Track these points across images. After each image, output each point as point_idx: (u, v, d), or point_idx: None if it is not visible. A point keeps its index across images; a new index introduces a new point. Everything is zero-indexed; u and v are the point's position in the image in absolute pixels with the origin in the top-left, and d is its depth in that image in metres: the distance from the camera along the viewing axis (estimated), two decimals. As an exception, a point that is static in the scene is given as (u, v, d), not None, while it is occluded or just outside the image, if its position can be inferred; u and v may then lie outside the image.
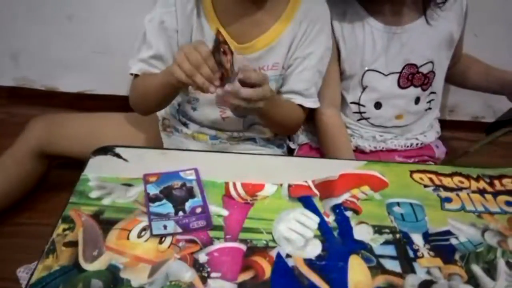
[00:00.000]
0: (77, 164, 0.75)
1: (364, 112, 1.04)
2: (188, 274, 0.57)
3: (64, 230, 0.61)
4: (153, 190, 0.68)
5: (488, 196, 0.73)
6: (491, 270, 0.61)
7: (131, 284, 0.55)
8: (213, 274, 0.57)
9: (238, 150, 0.98)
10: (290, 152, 1.10)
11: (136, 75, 0.90)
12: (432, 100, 1.07)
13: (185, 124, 1.00)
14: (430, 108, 1.08)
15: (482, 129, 1.19)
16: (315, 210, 0.68)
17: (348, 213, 0.68)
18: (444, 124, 1.16)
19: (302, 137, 1.10)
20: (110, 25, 1.28)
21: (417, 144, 1.08)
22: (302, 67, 0.90)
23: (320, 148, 1.05)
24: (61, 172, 1.17)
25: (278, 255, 0.61)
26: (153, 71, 0.87)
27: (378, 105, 1.03)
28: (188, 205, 0.67)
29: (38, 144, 1.06)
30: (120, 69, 1.24)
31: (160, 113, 1.03)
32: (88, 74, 1.36)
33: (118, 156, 0.75)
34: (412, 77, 1.01)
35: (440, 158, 1.12)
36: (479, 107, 1.44)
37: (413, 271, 0.60)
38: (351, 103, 1.03)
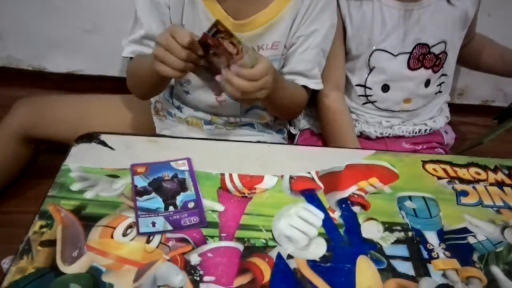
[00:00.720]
0: (67, 148, 0.68)
1: (371, 95, 0.97)
2: (178, 278, 0.51)
3: (41, 227, 0.55)
4: (141, 183, 0.62)
5: (508, 190, 0.68)
6: (512, 273, 0.56)
7: (115, 290, 0.50)
8: (206, 278, 0.52)
9: (235, 136, 0.91)
10: (291, 138, 1.04)
11: (131, 58, 0.83)
12: (443, 83, 1.00)
13: (178, 108, 0.93)
14: (440, 92, 1.01)
15: (492, 113, 1.12)
16: (319, 206, 0.62)
17: (356, 209, 0.62)
18: (452, 108, 1.10)
19: (303, 122, 1.04)
20: (100, 1, 1.20)
21: (425, 130, 1.02)
22: (305, 46, 0.83)
23: (323, 134, 0.98)
24: (50, 157, 1.10)
25: (279, 256, 0.55)
26: (146, 52, 0.80)
27: (385, 88, 0.96)
28: (179, 199, 0.61)
29: (23, 128, 0.99)
30: (111, 48, 1.17)
31: None
32: (77, 53, 1.28)
33: (104, 144, 0.68)
34: (423, 58, 0.94)
35: (449, 145, 1.06)
36: (489, 90, 1.37)
37: (427, 274, 0.54)
38: (357, 85, 0.96)
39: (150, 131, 0.95)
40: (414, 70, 0.94)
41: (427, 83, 0.97)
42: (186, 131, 0.92)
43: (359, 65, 0.95)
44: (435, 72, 0.96)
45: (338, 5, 0.89)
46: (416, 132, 1.02)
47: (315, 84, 0.87)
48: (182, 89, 0.88)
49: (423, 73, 0.95)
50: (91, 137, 0.69)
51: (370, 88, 0.96)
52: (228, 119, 0.91)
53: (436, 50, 0.93)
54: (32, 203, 0.95)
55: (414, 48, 0.92)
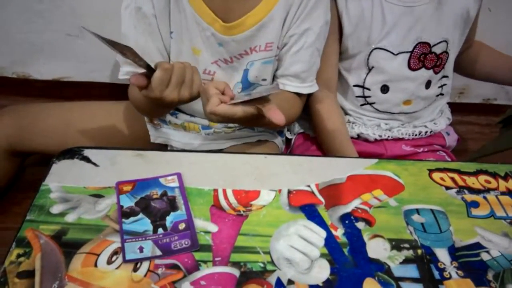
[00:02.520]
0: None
1: (369, 96, 0.92)
2: (168, 311, 0.47)
3: (19, 256, 0.51)
4: (128, 202, 0.57)
5: (520, 199, 0.63)
6: (532, 294, 0.51)
7: (98, 327, 0.45)
8: (199, 310, 0.47)
9: (234, 139, 0.87)
10: (287, 143, 1.00)
11: None
12: (444, 85, 0.96)
13: (173, 114, 0.88)
14: (442, 94, 0.97)
15: (493, 112, 1.08)
16: (320, 222, 0.58)
17: (360, 225, 0.58)
18: (453, 107, 1.06)
19: (298, 126, 1.00)
20: (84, 4, 1.15)
21: (426, 132, 0.98)
22: (298, 45, 0.78)
23: (317, 138, 0.94)
24: (36, 169, 1.06)
25: (278, 282, 0.51)
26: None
27: (385, 89, 0.92)
28: (169, 219, 0.56)
29: (8, 141, 0.93)
30: (98, 53, 1.12)
31: None
32: (63, 59, 1.23)
33: (87, 159, 0.63)
34: (424, 57, 0.89)
35: (451, 146, 1.02)
36: (490, 88, 1.34)
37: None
38: (354, 86, 0.92)
39: (143, 140, 0.91)
40: (415, 71, 0.90)
41: (428, 84, 0.93)
42: (183, 137, 0.87)
43: (357, 65, 0.90)
44: (436, 73, 0.92)
45: (335, 0, 0.85)
46: (416, 135, 0.98)
47: (309, 87, 0.82)
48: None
49: (424, 74, 0.91)
50: (73, 153, 0.64)
51: (368, 89, 0.92)
52: (227, 123, 0.86)
53: (437, 49, 0.89)
54: (18, 220, 0.90)
55: (415, 47, 0.88)
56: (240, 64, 0.79)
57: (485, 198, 0.63)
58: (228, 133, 0.88)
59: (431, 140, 1.00)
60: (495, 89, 1.34)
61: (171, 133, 0.89)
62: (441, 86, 0.96)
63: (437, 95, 0.96)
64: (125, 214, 0.56)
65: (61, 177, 0.60)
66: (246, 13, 0.74)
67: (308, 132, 0.99)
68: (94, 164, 0.63)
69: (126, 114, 0.94)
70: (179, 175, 0.62)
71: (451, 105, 1.06)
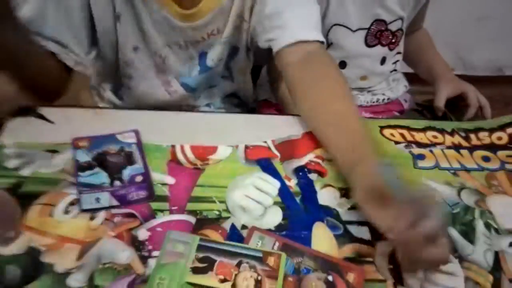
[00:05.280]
0: None
1: None
2: (124, 254, 0.48)
3: (-28, 208, 0.51)
4: (84, 157, 0.58)
5: (464, 152, 0.67)
6: (468, 233, 0.55)
7: (55, 269, 0.46)
8: (155, 253, 0.49)
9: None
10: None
11: None
12: (398, 61, 1.00)
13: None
14: (395, 70, 1.00)
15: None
16: (275, 174, 0.60)
17: (312, 176, 0.61)
18: (412, 78, 1.09)
19: (261, 92, 1.01)
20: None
21: (383, 99, 1.02)
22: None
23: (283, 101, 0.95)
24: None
25: (232, 227, 0.53)
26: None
27: (342, 64, 0.94)
28: (126, 173, 0.57)
29: None
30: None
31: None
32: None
33: (42, 117, 0.63)
34: (380, 34, 0.92)
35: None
36: (449, 59, 1.37)
37: (383, 237, 0.53)
38: None
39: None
40: (371, 47, 0.93)
41: (383, 60, 0.96)
42: None
43: None
44: (391, 49, 0.95)
45: None
46: (374, 102, 1.01)
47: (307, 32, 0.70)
48: (124, 83, 0.78)
49: (380, 51, 0.94)
50: (27, 111, 0.64)
51: None
52: (182, 108, 0.81)
53: (393, 27, 0.92)
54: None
55: (372, 24, 0.90)
56: (196, 49, 0.74)
57: (431, 151, 0.67)
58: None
59: (389, 107, 1.03)
60: (454, 60, 1.39)
61: None
62: (395, 62, 0.99)
63: (391, 71, 1.00)
64: (82, 168, 0.56)
65: (16, 134, 0.60)
66: None
67: (271, 100, 1.00)
68: (50, 121, 0.63)
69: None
70: (136, 132, 0.63)
71: (410, 75, 1.09)
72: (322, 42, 0.70)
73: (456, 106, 0.95)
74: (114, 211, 0.53)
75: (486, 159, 0.66)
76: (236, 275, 0.47)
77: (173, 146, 0.62)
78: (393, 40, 0.94)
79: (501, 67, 1.55)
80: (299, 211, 0.56)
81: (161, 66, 0.74)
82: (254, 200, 0.56)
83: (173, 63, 0.74)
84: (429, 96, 1.35)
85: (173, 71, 0.75)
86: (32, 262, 0.46)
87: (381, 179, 0.50)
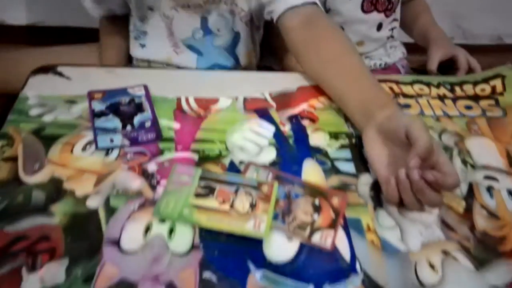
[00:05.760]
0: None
1: None
2: (136, 183, 0.55)
3: (3, 146, 0.58)
4: (99, 107, 0.65)
5: (448, 101, 0.72)
6: (446, 168, 0.61)
7: (75, 194, 0.53)
8: (163, 181, 0.55)
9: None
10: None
11: None
12: (394, 28, 1.04)
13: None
14: (392, 37, 1.05)
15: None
16: (270, 121, 0.66)
17: (305, 122, 0.66)
18: (410, 47, 1.13)
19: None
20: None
21: (380, 64, 1.06)
22: None
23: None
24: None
25: (231, 163, 0.59)
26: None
27: None
28: (136, 119, 0.63)
29: None
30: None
31: None
32: (37, 4, 1.26)
33: (60, 74, 0.70)
34: (376, 1, 0.97)
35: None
36: (447, 27, 1.40)
37: (367, 171, 0.59)
38: None
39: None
40: (368, 13, 0.97)
41: (379, 27, 1.00)
42: None
43: None
44: (387, 16, 0.99)
45: None
46: (371, 66, 1.05)
47: None
48: (138, 42, 0.87)
49: (376, 17, 0.98)
50: (47, 69, 0.70)
51: None
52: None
53: None
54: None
55: None
56: (197, 13, 0.81)
57: (417, 101, 0.72)
58: None
59: (387, 73, 1.07)
60: (452, 28, 1.40)
61: None
62: (392, 29, 1.04)
63: (388, 38, 1.04)
64: (97, 114, 0.63)
65: (37, 88, 0.67)
66: None
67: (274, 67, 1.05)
68: (67, 78, 0.70)
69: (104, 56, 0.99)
70: (145, 86, 0.69)
71: (408, 45, 1.13)
72: (316, 4, 0.76)
73: (449, 69, 1.00)
74: (126, 149, 0.59)
75: (468, 107, 0.71)
76: (233, 199, 0.53)
77: (178, 98, 0.68)
78: (389, 7, 0.98)
79: (501, 36, 1.58)
80: (291, 150, 0.62)
81: (169, 28, 0.80)
82: (251, 142, 0.62)
83: (179, 25, 0.81)
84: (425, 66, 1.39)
85: (179, 33, 0.82)
86: (55, 189, 0.53)
87: (402, 123, 0.54)
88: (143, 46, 0.87)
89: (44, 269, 0.46)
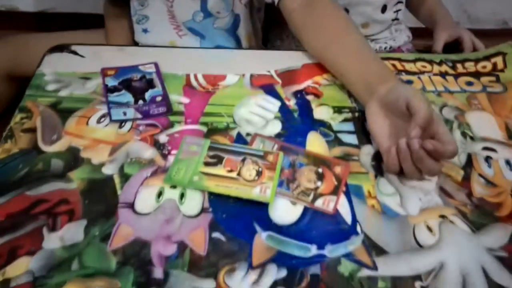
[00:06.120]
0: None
1: None
2: (148, 152, 0.58)
3: (22, 118, 0.61)
4: (112, 82, 0.67)
5: (450, 78, 0.74)
6: (445, 140, 0.63)
7: (92, 162, 0.56)
8: (173, 151, 0.58)
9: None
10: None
11: None
12: (399, 10, 1.05)
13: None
14: (397, 19, 1.06)
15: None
16: (276, 96, 0.69)
17: (309, 97, 0.69)
18: (416, 32, 1.14)
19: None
20: None
21: (385, 48, 1.07)
22: None
23: None
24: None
25: (238, 134, 0.62)
26: None
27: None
28: (148, 94, 0.66)
29: (5, 66, 1.02)
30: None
31: None
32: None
33: (75, 53, 0.73)
34: None
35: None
36: (453, 12, 1.41)
37: (369, 142, 0.62)
38: None
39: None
40: None
41: (384, 8, 1.01)
42: None
43: None
44: None
45: None
46: (376, 50, 1.07)
47: None
48: (140, 27, 0.89)
49: None
50: (62, 48, 0.73)
51: None
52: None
53: None
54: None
55: None
56: None
57: (419, 78, 0.74)
58: None
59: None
60: (458, 13, 1.41)
61: None
62: (396, 11, 1.05)
63: (393, 20, 1.05)
64: (110, 90, 0.66)
65: (53, 65, 0.70)
66: None
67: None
68: (81, 56, 0.73)
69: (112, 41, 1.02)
70: (156, 64, 0.72)
71: (414, 30, 1.14)
72: None
73: (454, 50, 1.01)
74: (138, 122, 0.62)
75: (469, 83, 0.73)
76: (240, 167, 0.56)
77: (187, 75, 0.71)
78: None
79: (506, 20, 1.58)
80: (296, 123, 0.64)
81: (171, 11, 0.83)
82: (258, 115, 0.65)
83: (179, 8, 0.84)
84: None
85: (180, 16, 0.84)
86: (73, 157, 0.56)
87: (403, 95, 0.56)
88: (145, 31, 0.89)
89: (64, 229, 0.49)
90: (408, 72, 0.75)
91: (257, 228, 0.51)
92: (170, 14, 0.85)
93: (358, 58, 0.67)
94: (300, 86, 0.71)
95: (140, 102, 0.65)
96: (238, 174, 0.55)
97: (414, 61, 0.78)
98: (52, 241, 0.48)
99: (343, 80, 0.69)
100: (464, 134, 0.64)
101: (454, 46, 1.01)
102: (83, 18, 1.29)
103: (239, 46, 0.91)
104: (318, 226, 0.51)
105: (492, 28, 1.59)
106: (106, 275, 0.45)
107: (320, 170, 0.57)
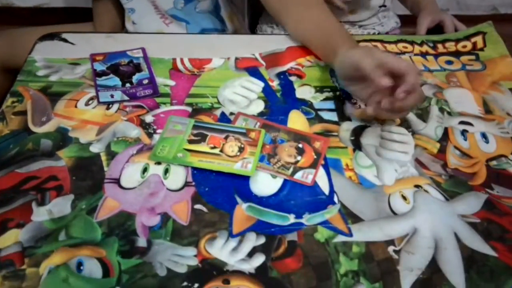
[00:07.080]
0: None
1: None
2: (134, 131, 0.60)
3: (13, 102, 0.63)
4: (100, 67, 0.70)
5: (430, 58, 0.76)
6: (423, 115, 0.65)
7: (80, 141, 0.58)
8: (159, 130, 0.60)
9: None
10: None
11: None
12: None
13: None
14: (384, 6, 1.07)
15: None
16: (260, 78, 0.71)
17: (293, 78, 0.71)
18: (405, 19, 1.16)
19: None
20: None
21: (373, 33, 1.09)
22: None
23: None
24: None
25: (222, 114, 0.64)
26: None
27: None
28: (135, 78, 0.68)
29: (1, 59, 1.04)
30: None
31: None
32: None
33: (65, 40, 0.75)
34: None
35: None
36: (443, -1, 1.44)
37: (349, 119, 0.64)
38: None
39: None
40: None
41: None
42: None
43: None
44: None
45: None
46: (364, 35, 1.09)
47: None
48: (129, 16, 0.91)
49: None
50: (53, 36, 0.76)
51: None
52: None
53: None
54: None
55: None
56: None
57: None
58: None
59: (380, 43, 1.11)
60: (448, 0, 1.43)
61: None
62: None
63: (380, 6, 1.07)
64: (98, 74, 0.68)
65: (44, 52, 0.72)
66: None
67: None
68: (71, 43, 0.75)
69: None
70: (143, 49, 0.74)
71: (403, 17, 1.15)
72: None
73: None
74: (125, 103, 0.64)
75: (449, 63, 0.75)
76: (223, 144, 0.58)
77: (174, 59, 0.73)
78: None
79: (496, 6, 1.59)
80: (279, 103, 0.66)
81: (153, 1, 0.85)
82: (241, 96, 0.67)
83: None
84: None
85: (162, 4, 0.87)
86: (61, 137, 0.59)
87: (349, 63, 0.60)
88: (134, 23, 0.91)
89: (52, 203, 0.51)
90: (390, 53, 0.76)
91: (238, 199, 0.53)
92: (154, 4, 0.87)
93: (322, 31, 0.71)
94: (284, 68, 0.73)
95: (128, 85, 0.67)
96: (221, 150, 0.57)
97: (396, 42, 0.79)
98: (41, 215, 0.50)
99: (317, 53, 0.73)
100: (441, 110, 0.66)
101: (437, 30, 1.02)
102: (78, 12, 1.32)
103: (224, 27, 0.93)
104: (296, 197, 0.53)
105: (482, 14, 1.61)
106: (91, 244, 0.48)
107: (300, 145, 0.59)
